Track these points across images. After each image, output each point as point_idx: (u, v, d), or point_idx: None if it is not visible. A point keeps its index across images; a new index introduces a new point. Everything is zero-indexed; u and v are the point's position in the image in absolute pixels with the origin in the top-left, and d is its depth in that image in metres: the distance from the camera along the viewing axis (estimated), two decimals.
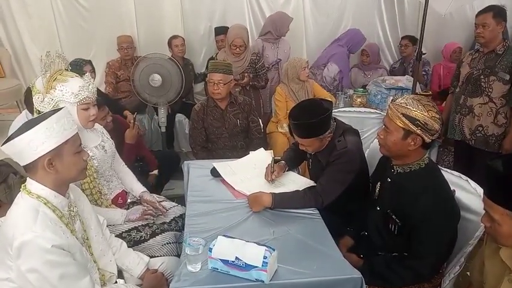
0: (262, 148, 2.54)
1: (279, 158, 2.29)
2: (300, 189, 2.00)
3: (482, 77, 2.76)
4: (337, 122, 2.09)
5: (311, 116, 1.92)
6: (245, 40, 3.49)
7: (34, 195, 1.33)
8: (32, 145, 1.27)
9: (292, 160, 2.29)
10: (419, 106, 1.57)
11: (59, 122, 1.32)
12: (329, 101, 2.11)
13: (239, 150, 2.81)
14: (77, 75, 1.90)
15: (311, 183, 2.11)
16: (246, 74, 3.54)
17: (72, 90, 1.79)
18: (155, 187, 2.92)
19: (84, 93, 1.81)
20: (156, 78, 3.27)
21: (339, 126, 2.07)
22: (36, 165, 1.32)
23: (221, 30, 4.06)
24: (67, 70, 1.87)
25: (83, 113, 1.85)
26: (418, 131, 1.57)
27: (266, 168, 2.16)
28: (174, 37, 4.16)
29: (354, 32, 4.25)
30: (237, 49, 3.48)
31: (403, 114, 1.58)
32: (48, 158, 1.31)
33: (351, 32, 4.28)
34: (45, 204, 1.33)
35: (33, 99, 1.81)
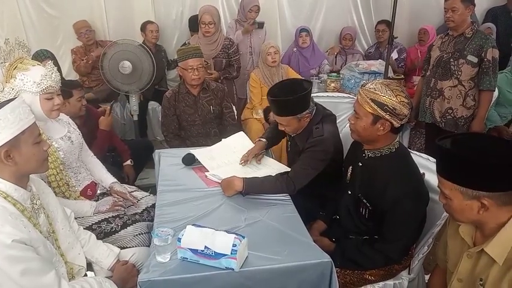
0: (242, 132, 2.53)
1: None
2: (272, 175, 2.00)
3: (451, 60, 2.79)
4: (318, 106, 2.10)
5: (289, 94, 1.93)
6: (214, 18, 3.41)
7: None
8: None
9: (274, 137, 2.32)
10: (388, 91, 1.57)
11: (13, 112, 1.27)
12: (309, 81, 2.11)
13: (212, 138, 2.77)
14: (39, 63, 1.83)
15: (286, 169, 2.11)
16: (214, 72, 3.47)
17: (34, 79, 1.72)
18: (129, 178, 2.87)
19: (47, 82, 1.75)
20: (126, 65, 3.20)
21: (318, 112, 2.07)
22: None
23: None
24: (28, 58, 1.79)
25: (46, 102, 1.79)
26: (387, 116, 1.58)
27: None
28: (149, 22, 4.06)
29: None
30: (206, 27, 3.40)
31: (372, 100, 1.58)
32: (4, 150, 1.26)
33: None
34: (4, 198, 1.28)
35: None
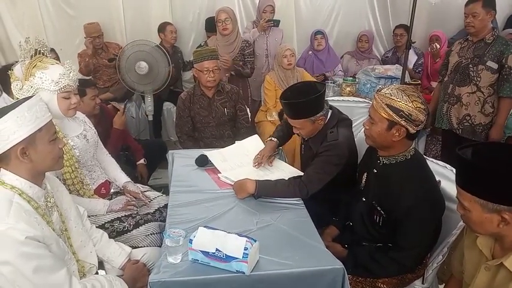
0: (256, 135, 2.53)
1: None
2: (285, 179, 1.99)
3: (470, 66, 2.74)
4: (333, 110, 2.08)
5: (301, 96, 1.93)
6: (230, 15, 3.40)
7: (8, 186, 1.29)
8: (2, 135, 1.23)
9: (285, 135, 2.31)
10: (404, 97, 1.54)
11: (30, 110, 1.28)
12: (323, 83, 2.09)
13: (226, 140, 2.78)
14: (58, 62, 1.85)
15: (299, 173, 2.10)
16: (228, 59, 3.45)
17: (53, 78, 1.74)
18: (143, 177, 2.89)
19: (65, 81, 1.77)
20: (143, 66, 3.23)
21: (334, 115, 2.05)
22: (9, 155, 1.28)
23: None
24: (47, 57, 1.82)
25: (64, 101, 1.81)
26: (402, 122, 1.55)
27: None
28: (168, 23, 4.10)
29: None
30: (223, 23, 3.38)
31: (387, 105, 1.56)
32: (21, 147, 1.27)
33: None
34: (19, 195, 1.30)
35: (12, 87, 1.77)
